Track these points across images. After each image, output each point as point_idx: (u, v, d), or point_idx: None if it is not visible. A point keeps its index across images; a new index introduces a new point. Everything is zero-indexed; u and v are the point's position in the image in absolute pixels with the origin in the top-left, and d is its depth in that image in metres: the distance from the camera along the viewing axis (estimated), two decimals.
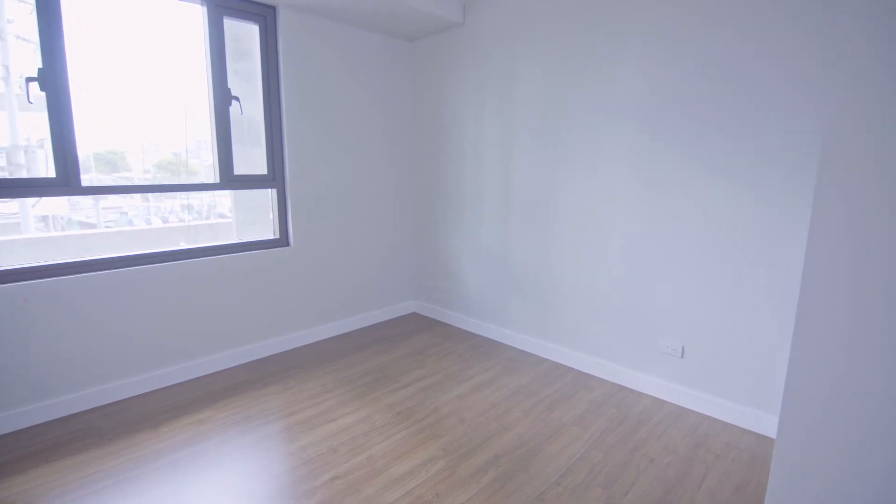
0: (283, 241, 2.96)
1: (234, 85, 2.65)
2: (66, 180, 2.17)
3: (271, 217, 2.96)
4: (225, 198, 3.13)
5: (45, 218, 2.84)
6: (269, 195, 2.93)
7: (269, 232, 2.97)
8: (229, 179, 2.70)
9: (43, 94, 2.08)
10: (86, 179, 2.26)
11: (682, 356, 2.33)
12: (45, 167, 2.31)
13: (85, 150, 2.31)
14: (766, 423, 2.08)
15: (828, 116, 1.09)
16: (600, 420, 2.20)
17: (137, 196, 3.01)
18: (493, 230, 3.14)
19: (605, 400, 2.39)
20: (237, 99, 2.66)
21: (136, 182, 2.74)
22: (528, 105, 2.81)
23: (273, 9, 2.75)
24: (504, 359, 2.90)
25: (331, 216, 3.16)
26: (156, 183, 2.77)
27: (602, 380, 2.62)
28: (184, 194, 2.94)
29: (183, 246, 2.59)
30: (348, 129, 3.18)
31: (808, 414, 1.17)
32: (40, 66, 2.05)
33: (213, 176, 2.68)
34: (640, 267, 2.42)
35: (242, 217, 3.08)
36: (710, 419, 2.23)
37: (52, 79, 2.09)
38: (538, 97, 2.76)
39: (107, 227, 3.04)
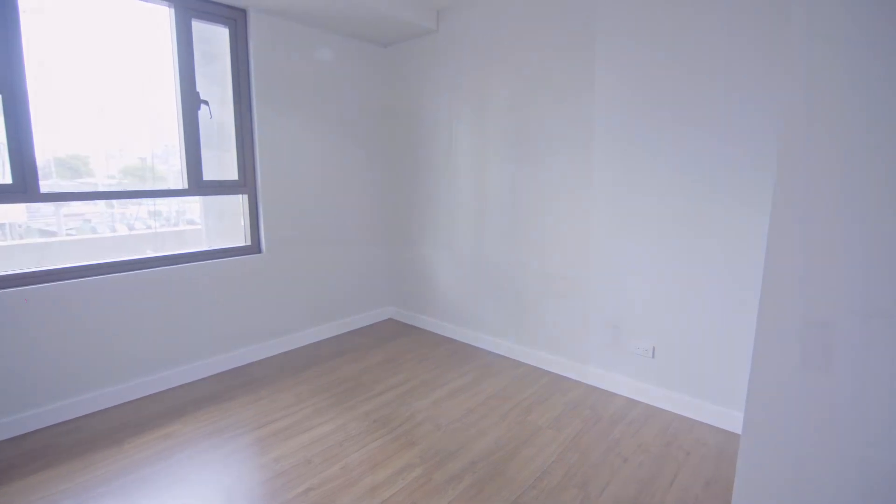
0: (254, 247, 2.90)
1: (203, 88, 2.60)
2: (23, 186, 2.07)
3: (242, 223, 2.90)
4: (194, 204, 3.05)
5: (1, 226, 2.71)
6: (241, 201, 2.88)
7: (241, 239, 2.90)
8: (198, 185, 2.63)
9: None
10: (45, 185, 2.18)
11: (653, 356, 2.38)
12: (2, 173, 2.21)
13: (45, 154, 2.22)
14: (733, 419, 2.15)
15: (783, 119, 1.14)
16: (575, 422, 2.23)
17: (102, 203, 2.90)
18: (469, 235, 3.15)
19: (580, 401, 2.42)
20: (206, 103, 2.61)
21: (100, 188, 2.64)
22: (503, 111, 2.85)
23: (243, 12, 2.71)
24: (480, 364, 2.91)
25: (304, 222, 3.11)
26: (121, 189, 2.68)
27: (577, 382, 2.65)
28: (150, 200, 2.86)
29: (149, 254, 2.51)
30: (322, 134, 3.15)
31: (770, 410, 1.21)
32: None
33: (181, 182, 2.61)
34: (613, 271, 2.47)
35: (213, 224, 3.00)
36: (681, 417, 2.28)
37: (7, 80, 2.00)
38: (513, 103, 2.79)
39: (68, 234, 2.92)
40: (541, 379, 2.69)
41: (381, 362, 2.92)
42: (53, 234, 2.89)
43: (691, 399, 2.28)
